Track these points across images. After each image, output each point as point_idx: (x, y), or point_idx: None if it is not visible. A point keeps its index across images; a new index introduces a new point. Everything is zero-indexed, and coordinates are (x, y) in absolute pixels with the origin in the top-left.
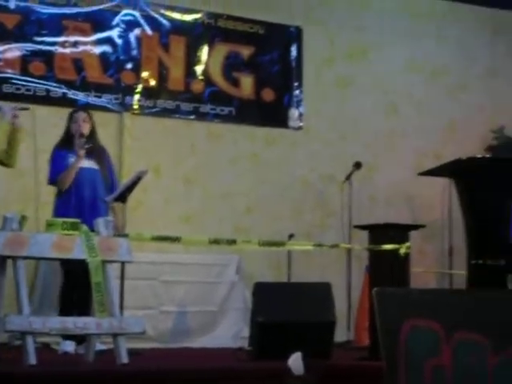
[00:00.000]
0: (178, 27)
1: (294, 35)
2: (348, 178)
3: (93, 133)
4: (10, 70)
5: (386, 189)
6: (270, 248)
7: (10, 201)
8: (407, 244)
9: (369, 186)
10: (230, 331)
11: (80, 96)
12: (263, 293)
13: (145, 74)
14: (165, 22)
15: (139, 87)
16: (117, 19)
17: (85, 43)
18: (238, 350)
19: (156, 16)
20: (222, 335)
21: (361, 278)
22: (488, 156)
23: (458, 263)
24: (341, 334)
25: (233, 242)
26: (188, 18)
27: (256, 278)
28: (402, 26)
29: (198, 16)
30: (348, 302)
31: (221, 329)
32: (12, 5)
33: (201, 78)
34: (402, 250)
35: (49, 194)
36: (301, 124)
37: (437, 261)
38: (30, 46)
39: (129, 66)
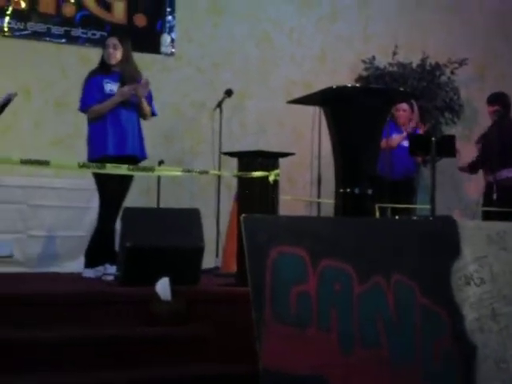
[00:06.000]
0: None
1: None
2: (219, 105)
3: (126, 57)
4: None
5: (256, 117)
6: (140, 173)
7: None
8: (276, 171)
9: (240, 113)
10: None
11: None
12: (132, 218)
13: None
14: None
15: (9, 9)
16: None
17: None
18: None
19: None
20: None
21: (230, 206)
22: (358, 85)
23: (325, 192)
24: (209, 261)
25: (102, 166)
26: None
27: (125, 204)
28: None
29: None
30: (217, 228)
31: None
32: None
33: (72, 1)
34: (271, 178)
35: None
36: (173, 50)
37: (306, 189)
38: None
39: None
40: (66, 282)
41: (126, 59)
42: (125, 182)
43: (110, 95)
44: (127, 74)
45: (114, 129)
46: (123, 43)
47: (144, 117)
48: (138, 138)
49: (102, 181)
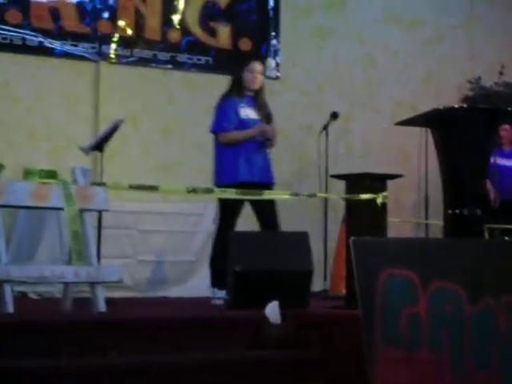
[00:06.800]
0: None
1: None
2: (325, 127)
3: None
4: None
5: (362, 139)
6: (248, 197)
7: None
8: (384, 193)
9: (345, 135)
10: (207, 281)
11: (56, 45)
12: (240, 242)
13: (121, 23)
14: None
15: (116, 36)
16: None
17: None
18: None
19: None
20: (199, 285)
21: (337, 228)
22: (465, 106)
23: (433, 213)
24: (317, 284)
25: (210, 191)
26: None
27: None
28: None
29: None
30: (324, 251)
31: (197, 278)
32: None
33: (178, 27)
34: (379, 200)
35: (25, 141)
36: (278, 74)
37: (412, 211)
38: None
39: (105, 14)
40: (175, 306)
41: (263, 86)
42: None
43: (245, 120)
44: (262, 102)
45: (246, 155)
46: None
47: (268, 148)
48: (267, 165)
49: (227, 205)
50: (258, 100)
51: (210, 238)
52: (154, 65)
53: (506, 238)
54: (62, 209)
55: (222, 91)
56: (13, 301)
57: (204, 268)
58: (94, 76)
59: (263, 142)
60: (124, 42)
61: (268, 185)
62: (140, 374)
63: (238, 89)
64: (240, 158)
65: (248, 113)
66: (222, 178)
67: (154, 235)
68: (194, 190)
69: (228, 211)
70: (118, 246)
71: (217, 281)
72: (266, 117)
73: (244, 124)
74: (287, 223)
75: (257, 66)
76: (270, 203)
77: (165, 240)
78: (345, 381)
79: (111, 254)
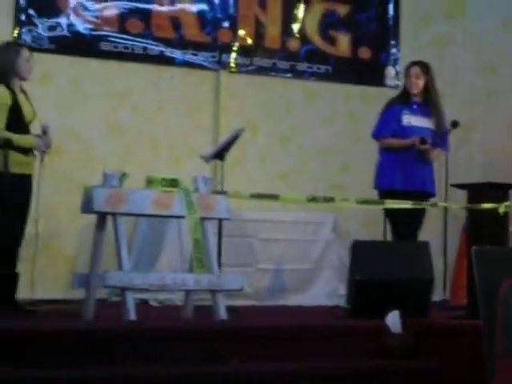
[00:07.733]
0: None
1: None
2: None
3: (428, 88)
4: (107, 28)
5: (483, 148)
6: (368, 206)
7: (110, 158)
8: (507, 203)
9: (466, 144)
10: (326, 289)
11: (177, 54)
12: (360, 251)
13: (241, 32)
14: None
15: (236, 45)
16: None
17: (182, 1)
18: (334, 307)
19: None
20: (318, 293)
21: (456, 238)
22: None
23: None
24: (437, 293)
25: (331, 199)
26: None
27: (352, 236)
28: None
29: None
30: (444, 261)
31: (316, 287)
32: None
33: (297, 36)
34: (502, 209)
35: (147, 150)
36: (398, 82)
37: None
38: (127, 4)
39: (225, 24)
40: (295, 315)
41: (430, 89)
42: (416, 214)
43: (407, 127)
44: (434, 109)
45: (403, 163)
46: (427, 72)
47: (428, 161)
48: (428, 175)
49: (390, 215)
50: (428, 106)
51: (328, 246)
52: (273, 73)
53: None
54: (183, 217)
55: (341, 100)
56: (135, 308)
57: (323, 276)
58: (214, 85)
59: (422, 154)
60: (244, 50)
61: (428, 195)
62: (261, 381)
63: (404, 96)
64: (397, 165)
65: (411, 120)
66: (380, 182)
67: (274, 243)
68: (313, 199)
69: (392, 221)
70: (238, 254)
71: None
72: (438, 126)
73: (406, 131)
74: None
75: (412, 69)
76: (423, 214)
77: (284, 248)
78: None
79: (231, 263)
